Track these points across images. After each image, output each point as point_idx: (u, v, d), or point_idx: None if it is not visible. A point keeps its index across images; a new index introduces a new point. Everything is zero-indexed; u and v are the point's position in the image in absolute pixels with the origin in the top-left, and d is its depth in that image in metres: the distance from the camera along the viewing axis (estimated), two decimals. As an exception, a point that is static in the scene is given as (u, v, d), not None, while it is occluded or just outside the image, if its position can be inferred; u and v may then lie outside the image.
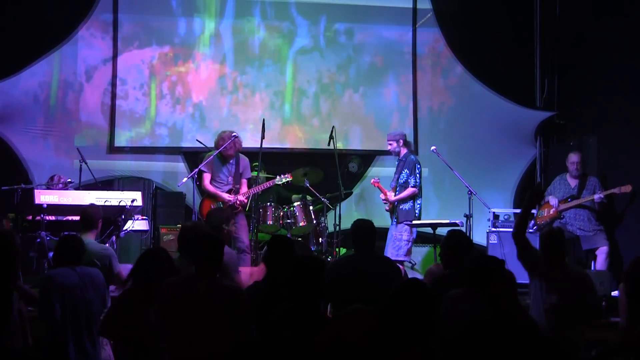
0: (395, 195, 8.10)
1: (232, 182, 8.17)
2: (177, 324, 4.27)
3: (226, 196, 8.04)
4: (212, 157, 8.06)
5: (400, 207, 8.08)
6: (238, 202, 8.03)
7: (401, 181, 8.13)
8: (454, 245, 5.00)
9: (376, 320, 3.54)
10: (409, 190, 8.03)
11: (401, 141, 8.24)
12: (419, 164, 8.17)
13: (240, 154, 8.23)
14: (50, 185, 8.09)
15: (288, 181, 8.26)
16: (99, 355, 5.21)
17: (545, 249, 5.09)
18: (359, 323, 3.59)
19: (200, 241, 4.48)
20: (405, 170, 8.11)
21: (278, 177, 8.23)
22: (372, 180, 8.49)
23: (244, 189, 8.18)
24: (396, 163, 8.35)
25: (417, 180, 8.06)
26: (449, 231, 5.21)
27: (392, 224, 8.13)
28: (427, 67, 10.38)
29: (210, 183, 8.16)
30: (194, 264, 4.44)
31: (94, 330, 5.09)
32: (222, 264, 4.52)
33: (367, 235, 5.29)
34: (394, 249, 7.93)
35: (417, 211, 8.08)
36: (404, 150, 8.24)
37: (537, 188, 5.16)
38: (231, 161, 8.19)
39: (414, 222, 7.99)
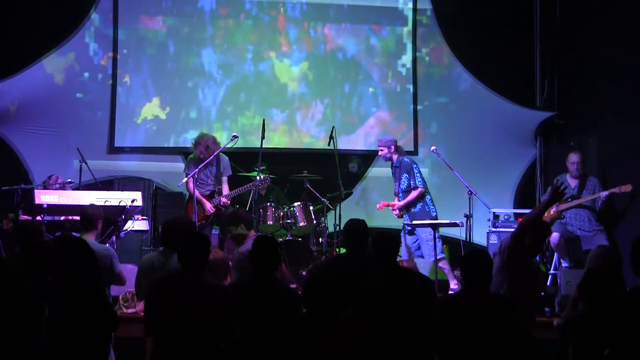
0: (400, 201, 8.15)
1: (214, 182, 8.31)
2: (162, 321, 4.26)
3: (208, 205, 8.18)
4: (212, 156, 8.10)
5: (411, 211, 8.10)
6: (221, 203, 8.20)
7: (403, 187, 8.15)
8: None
9: (370, 325, 3.54)
10: (414, 193, 8.03)
11: (392, 147, 8.23)
12: (416, 164, 8.20)
13: (220, 154, 8.30)
14: (47, 185, 8.07)
15: (266, 183, 8.33)
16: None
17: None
18: (353, 329, 3.58)
19: (186, 239, 4.45)
20: (405, 175, 8.11)
21: (258, 177, 8.24)
22: (378, 206, 8.40)
23: (225, 187, 8.33)
24: (392, 171, 8.36)
25: (419, 181, 8.06)
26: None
27: (404, 231, 8.14)
28: (427, 67, 10.38)
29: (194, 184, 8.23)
30: (179, 261, 4.42)
31: None
32: (207, 261, 4.48)
33: (357, 236, 5.32)
34: (430, 250, 7.85)
35: (432, 210, 8.07)
36: (395, 156, 8.23)
37: (557, 187, 5.35)
38: (212, 162, 8.25)
39: (413, 222, 7.99)
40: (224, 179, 8.37)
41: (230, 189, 8.38)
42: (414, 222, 7.98)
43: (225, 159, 8.41)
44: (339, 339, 3.50)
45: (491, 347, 4.17)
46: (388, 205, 8.28)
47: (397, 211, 8.23)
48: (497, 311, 4.34)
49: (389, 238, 5.08)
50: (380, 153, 8.35)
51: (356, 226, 5.37)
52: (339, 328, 3.55)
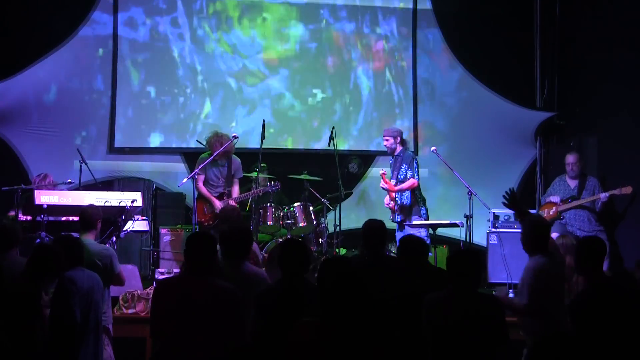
0: (396, 188, 8.02)
1: (224, 184, 8.30)
2: (169, 323, 4.24)
3: (217, 203, 8.19)
4: (213, 156, 8.09)
5: (402, 203, 8.02)
6: None
7: (401, 177, 8.05)
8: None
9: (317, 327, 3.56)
10: (410, 182, 7.97)
11: (398, 138, 8.16)
12: (417, 159, 8.14)
13: (232, 155, 8.29)
14: (36, 185, 8.02)
15: (277, 189, 8.37)
16: (102, 355, 5.20)
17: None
18: (303, 333, 3.60)
19: (190, 239, 4.41)
20: (404, 165, 8.04)
21: (268, 184, 8.31)
22: (380, 171, 8.33)
23: (236, 188, 8.33)
24: (390, 162, 8.31)
25: (416, 174, 8.00)
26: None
27: (397, 223, 8.09)
28: (427, 68, 10.38)
29: (203, 185, 8.25)
30: (186, 263, 4.39)
31: (100, 331, 5.08)
32: (215, 262, 4.43)
33: (373, 236, 5.33)
34: None
35: (423, 209, 8.03)
36: (399, 148, 8.18)
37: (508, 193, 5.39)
38: (224, 163, 8.25)
39: (414, 222, 7.97)
40: (235, 181, 8.36)
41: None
42: (414, 222, 7.96)
43: (237, 160, 8.37)
44: (292, 345, 3.53)
45: (475, 345, 4.21)
46: (383, 179, 8.07)
47: (391, 202, 8.13)
48: (482, 310, 4.34)
49: (416, 240, 5.08)
50: (385, 143, 8.20)
51: (373, 226, 5.39)
52: (293, 334, 3.56)
